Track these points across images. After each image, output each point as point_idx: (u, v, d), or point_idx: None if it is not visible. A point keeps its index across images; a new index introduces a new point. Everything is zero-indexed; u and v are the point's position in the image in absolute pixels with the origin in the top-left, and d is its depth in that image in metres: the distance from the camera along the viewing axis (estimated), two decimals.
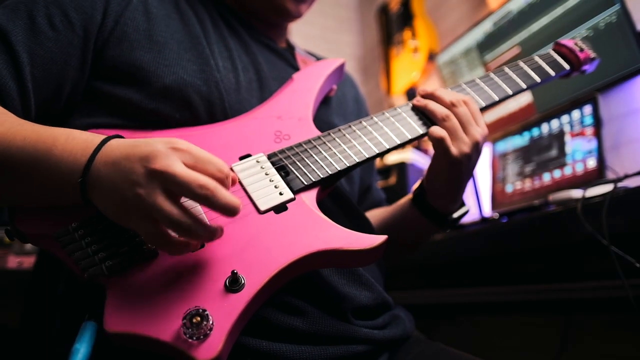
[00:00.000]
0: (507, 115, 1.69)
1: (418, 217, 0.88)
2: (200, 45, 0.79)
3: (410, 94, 2.35)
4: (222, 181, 0.55)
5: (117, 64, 0.73)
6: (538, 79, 0.91)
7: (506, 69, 0.91)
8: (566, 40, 0.98)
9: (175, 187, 0.52)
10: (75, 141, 0.58)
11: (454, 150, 0.77)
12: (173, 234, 0.54)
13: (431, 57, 2.23)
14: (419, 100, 0.82)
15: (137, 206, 0.52)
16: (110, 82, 0.73)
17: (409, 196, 0.91)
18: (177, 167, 0.52)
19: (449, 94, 0.81)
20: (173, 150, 0.54)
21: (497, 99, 0.87)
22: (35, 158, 0.57)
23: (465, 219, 1.50)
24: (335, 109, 0.95)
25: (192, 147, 0.55)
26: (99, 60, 0.74)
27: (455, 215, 0.89)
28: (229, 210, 0.54)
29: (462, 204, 0.90)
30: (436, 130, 0.78)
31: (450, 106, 0.79)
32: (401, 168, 1.83)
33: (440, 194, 0.85)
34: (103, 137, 0.58)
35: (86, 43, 0.73)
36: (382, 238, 0.62)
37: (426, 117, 0.82)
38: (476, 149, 0.79)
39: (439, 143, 0.78)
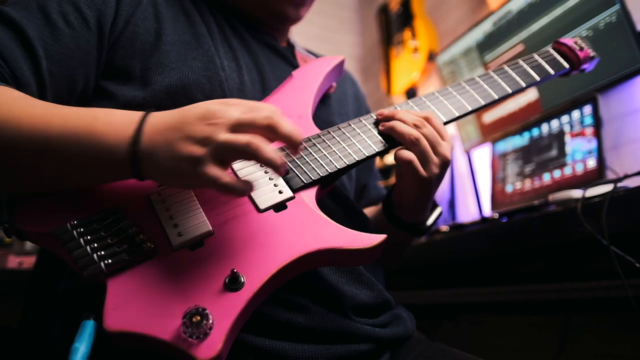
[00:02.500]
0: (514, 112, 1.67)
1: (392, 228, 0.87)
2: (206, 44, 0.80)
3: (410, 94, 2.35)
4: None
5: (126, 65, 0.73)
6: (537, 78, 0.91)
7: (506, 68, 0.91)
8: (566, 39, 0.98)
9: (242, 127, 0.56)
10: (115, 116, 0.59)
11: (423, 172, 0.75)
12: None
13: (431, 57, 2.23)
14: (383, 125, 0.77)
15: (210, 156, 0.55)
16: (116, 80, 0.73)
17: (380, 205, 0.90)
18: (238, 114, 0.56)
19: (410, 115, 0.77)
20: (226, 103, 0.57)
21: (496, 97, 0.87)
22: (78, 136, 0.57)
23: (465, 219, 1.50)
24: (335, 108, 0.95)
25: (240, 100, 0.59)
26: (108, 60, 0.74)
27: (429, 222, 0.87)
28: (293, 137, 0.59)
29: (434, 207, 0.89)
30: (404, 153, 0.75)
31: (415, 128, 0.76)
32: None
33: (410, 210, 0.83)
34: (142, 112, 0.59)
35: (101, 40, 0.73)
36: (380, 237, 0.62)
37: None
38: (444, 165, 0.77)
39: (407, 166, 0.75)
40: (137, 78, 0.73)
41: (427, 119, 0.77)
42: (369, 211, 1.00)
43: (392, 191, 0.86)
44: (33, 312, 0.79)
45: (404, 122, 0.76)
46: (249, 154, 0.55)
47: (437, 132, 0.77)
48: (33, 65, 0.66)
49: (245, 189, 0.57)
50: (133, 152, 0.56)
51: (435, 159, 0.76)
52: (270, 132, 0.57)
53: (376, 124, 0.79)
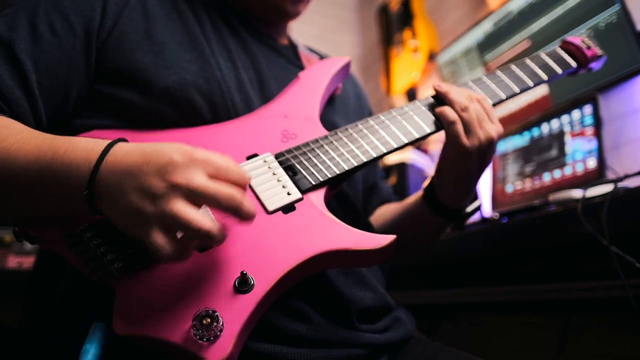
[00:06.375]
0: (523, 107, 1.66)
1: (428, 214, 0.87)
2: (200, 45, 0.79)
3: (411, 94, 2.35)
4: (243, 187, 0.55)
5: (117, 66, 0.73)
6: (545, 77, 0.90)
7: (512, 67, 0.91)
8: (573, 38, 0.98)
9: (201, 199, 0.52)
10: (75, 152, 0.56)
11: (465, 140, 0.77)
12: (183, 241, 0.53)
13: (431, 57, 2.23)
14: (440, 86, 0.82)
15: (157, 218, 0.51)
16: (111, 84, 0.73)
17: (420, 192, 0.90)
18: (200, 180, 0.52)
19: (464, 91, 0.81)
20: (192, 161, 0.52)
21: (504, 97, 0.86)
22: (38, 174, 0.57)
23: None
24: (337, 109, 0.95)
25: (209, 156, 0.54)
26: (99, 62, 0.73)
27: (468, 210, 0.88)
28: (250, 219, 0.54)
29: (475, 198, 0.89)
30: (449, 112, 0.77)
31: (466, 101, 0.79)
32: (401, 168, 1.84)
33: (449, 188, 0.84)
34: (105, 143, 0.57)
35: (88, 45, 0.72)
36: (390, 238, 0.62)
37: (434, 117, 0.81)
38: (489, 145, 0.79)
39: (450, 127, 0.77)
40: (131, 80, 0.72)
41: (479, 99, 0.80)
42: (392, 207, 0.99)
43: (434, 175, 0.87)
44: (33, 312, 0.78)
45: (456, 93, 0.80)
46: (208, 239, 0.51)
47: (486, 112, 0.80)
48: (21, 81, 0.66)
49: (183, 258, 0.53)
50: (90, 195, 0.55)
51: (479, 131, 0.78)
52: (232, 213, 0.53)
53: (383, 125, 0.79)
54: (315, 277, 0.69)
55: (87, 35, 0.72)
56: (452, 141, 0.78)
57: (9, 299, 1.33)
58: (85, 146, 0.57)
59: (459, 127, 0.77)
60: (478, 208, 0.89)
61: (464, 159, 0.78)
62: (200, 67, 0.76)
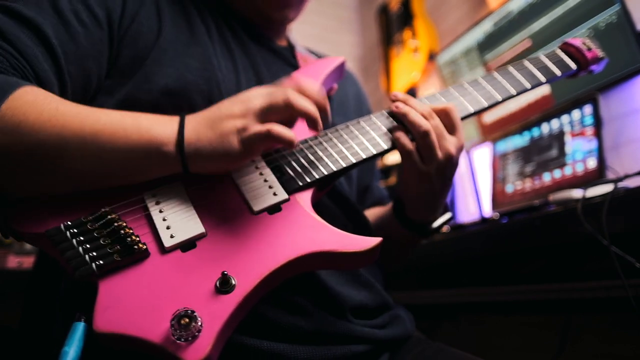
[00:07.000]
0: (524, 107, 1.66)
1: (397, 225, 0.86)
2: (204, 44, 0.79)
3: (410, 94, 2.34)
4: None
5: (127, 62, 0.73)
6: (543, 79, 0.88)
7: (510, 68, 0.89)
8: (574, 39, 0.96)
9: (294, 111, 0.62)
10: (154, 115, 0.64)
11: (421, 166, 0.75)
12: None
13: (431, 57, 2.23)
14: (398, 107, 0.77)
15: (253, 120, 0.61)
16: (116, 78, 0.73)
17: (390, 204, 0.90)
18: (262, 97, 0.63)
19: (421, 105, 0.76)
20: (248, 92, 0.64)
21: (500, 99, 0.84)
22: (126, 131, 0.60)
23: (466, 219, 1.50)
24: (336, 110, 0.94)
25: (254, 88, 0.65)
26: (114, 57, 0.73)
27: (436, 224, 0.86)
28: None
29: (445, 210, 0.88)
30: (406, 142, 0.74)
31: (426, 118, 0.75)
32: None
33: (415, 205, 0.83)
34: (176, 123, 0.63)
35: (111, 39, 0.72)
36: (376, 240, 0.61)
37: None
38: (448, 162, 0.75)
39: (406, 156, 0.75)
40: (136, 76, 0.73)
41: (445, 111, 0.76)
42: (374, 211, 0.99)
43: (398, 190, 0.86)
44: (33, 312, 0.78)
45: (415, 109, 0.75)
46: (288, 106, 0.62)
47: (452, 124, 0.76)
48: (54, 65, 0.66)
49: (293, 136, 0.62)
50: (179, 141, 0.61)
51: (438, 152, 0.74)
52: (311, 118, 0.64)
53: (374, 126, 0.78)
54: (308, 276, 0.69)
55: (110, 29, 0.72)
56: (409, 167, 0.76)
57: (9, 299, 1.33)
58: (157, 115, 0.64)
59: (415, 157, 0.74)
60: (447, 222, 0.88)
61: (423, 180, 0.76)
62: (202, 66, 0.77)
